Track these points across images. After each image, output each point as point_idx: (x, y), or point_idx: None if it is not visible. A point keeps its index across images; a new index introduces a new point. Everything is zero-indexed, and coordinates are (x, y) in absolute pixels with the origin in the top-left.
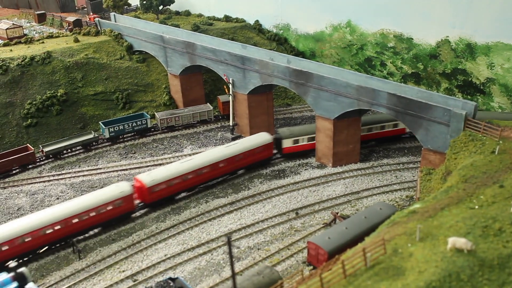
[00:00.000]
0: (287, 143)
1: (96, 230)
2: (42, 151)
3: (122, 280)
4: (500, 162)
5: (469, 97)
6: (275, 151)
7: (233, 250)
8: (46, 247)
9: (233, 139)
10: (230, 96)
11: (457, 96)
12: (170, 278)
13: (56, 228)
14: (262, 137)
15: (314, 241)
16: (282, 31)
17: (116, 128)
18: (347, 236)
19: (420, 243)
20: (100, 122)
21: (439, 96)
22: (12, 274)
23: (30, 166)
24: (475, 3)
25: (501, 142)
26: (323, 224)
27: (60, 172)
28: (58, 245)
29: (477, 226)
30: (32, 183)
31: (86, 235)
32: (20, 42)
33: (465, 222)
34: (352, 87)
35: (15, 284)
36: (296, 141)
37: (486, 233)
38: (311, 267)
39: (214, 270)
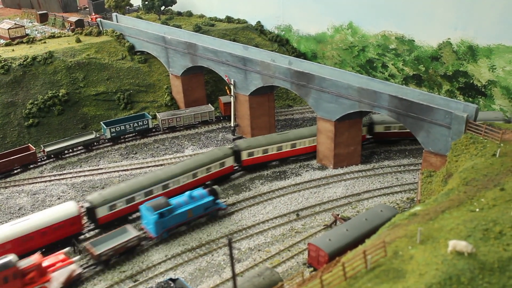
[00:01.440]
0: (102, 212)
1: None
2: (43, 151)
3: (122, 281)
4: (501, 165)
5: (470, 99)
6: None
7: (233, 252)
8: None
9: (234, 140)
10: (232, 97)
11: (458, 98)
12: (171, 279)
13: None
14: (65, 210)
15: (315, 243)
16: (283, 32)
17: (118, 129)
18: (348, 238)
19: (421, 245)
20: (101, 122)
21: (440, 98)
22: (208, 189)
23: (31, 166)
24: (477, 5)
25: (502, 145)
26: (323, 225)
27: (61, 172)
28: None
29: (478, 229)
30: (33, 183)
31: (87, 235)
32: (22, 42)
33: (466, 225)
34: (353, 89)
35: (211, 197)
36: (113, 207)
37: (486, 236)
38: (312, 268)
39: (214, 271)
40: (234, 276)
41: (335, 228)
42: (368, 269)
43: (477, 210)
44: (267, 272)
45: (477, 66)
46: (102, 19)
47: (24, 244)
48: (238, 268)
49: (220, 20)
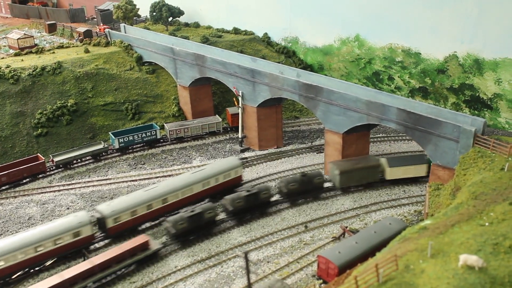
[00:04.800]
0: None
1: None
2: (52, 160)
3: None
4: (510, 179)
5: (476, 112)
6: None
7: (243, 263)
8: None
9: (242, 151)
10: (240, 108)
11: (464, 111)
12: None
13: None
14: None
15: (325, 255)
16: (290, 44)
17: (126, 139)
18: (358, 250)
19: (432, 259)
20: (110, 133)
21: (448, 112)
22: None
23: (40, 176)
24: (483, 19)
25: (510, 159)
26: (332, 237)
27: (70, 182)
28: None
29: (488, 243)
30: (42, 193)
31: (97, 245)
32: (31, 52)
33: (476, 239)
34: (361, 102)
35: None
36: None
37: (496, 251)
38: (321, 281)
39: (224, 283)
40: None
41: (344, 241)
42: (380, 283)
43: (487, 224)
44: (278, 284)
45: (483, 79)
46: (110, 30)
47: None
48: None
49: (227, 32)
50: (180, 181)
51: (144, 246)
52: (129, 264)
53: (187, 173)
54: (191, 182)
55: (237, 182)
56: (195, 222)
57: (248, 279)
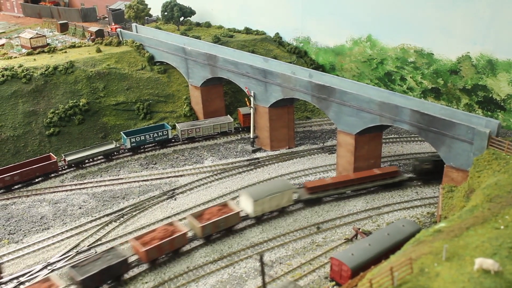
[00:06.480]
0: None
1: None
2: (64, 160)
3: None
4: None
5: (489, 113)
6: None
7: (255, 264)
8: None
9: (254, 151)
10: (251, 108)
11: (477, 112)
12: None
13: None
14: None
15: (338, 257)
16: (302, 44)
17: (138, 139)
18: (371, 253)
19: (447, 263)
20: (121, 132)
21: (462, 113)
22: None
23: (52, 175)
24: (496, 20)
25: None
26: (344, 239)
27: (82, 182)
28: None
29: (503, 247)
30: (54, 192)
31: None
32: (43, 52)
33: (491, 243)
34: (374, 103)
35: None
36: None
37: None
38: (334, 282)
39: (236, 284)
40: None
41: (357, 243)
42: (394, 286)
43: (502, 227)
44: (290, 285)
45: (496, 80)
46: (122, 29)
47: None
48: (260, 281)
49: (239, 31)
50: None
51: (393, 174)
52: (378, 185)
53: None
54: None
55: None
56: (438, 167)
57: (263, 281)
